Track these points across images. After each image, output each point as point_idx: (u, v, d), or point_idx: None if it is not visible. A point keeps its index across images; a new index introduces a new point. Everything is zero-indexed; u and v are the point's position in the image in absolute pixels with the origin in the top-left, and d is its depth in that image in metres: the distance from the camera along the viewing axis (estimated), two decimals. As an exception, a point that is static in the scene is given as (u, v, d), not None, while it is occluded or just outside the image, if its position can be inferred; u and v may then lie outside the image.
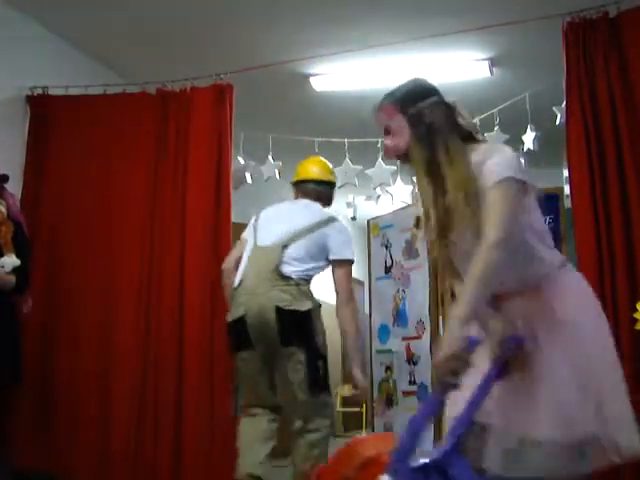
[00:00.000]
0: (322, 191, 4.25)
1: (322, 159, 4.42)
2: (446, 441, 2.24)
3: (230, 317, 3.92)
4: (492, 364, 2.30)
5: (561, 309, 2.33)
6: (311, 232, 3.96)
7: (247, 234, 4.13)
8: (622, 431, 2.22)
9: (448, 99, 2.68)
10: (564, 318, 2.31)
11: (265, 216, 4.16)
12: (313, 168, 4.31)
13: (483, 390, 2.30)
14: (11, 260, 4.09)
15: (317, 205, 4.17)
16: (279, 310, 3.75)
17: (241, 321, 3.82)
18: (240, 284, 3.91)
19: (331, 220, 4.02)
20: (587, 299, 2.42)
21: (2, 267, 4.03)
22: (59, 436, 4.66)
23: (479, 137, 2.58)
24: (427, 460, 2.20)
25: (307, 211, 4.10)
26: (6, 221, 4.19)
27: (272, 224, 4.05)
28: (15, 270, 4.10)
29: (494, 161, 2.35)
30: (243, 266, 3.97)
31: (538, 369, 2.28)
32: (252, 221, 4.18)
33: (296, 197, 4.29)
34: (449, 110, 2.64)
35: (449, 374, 2.14)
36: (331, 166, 4.41)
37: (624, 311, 3.75)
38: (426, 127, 2.55)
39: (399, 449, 2.20)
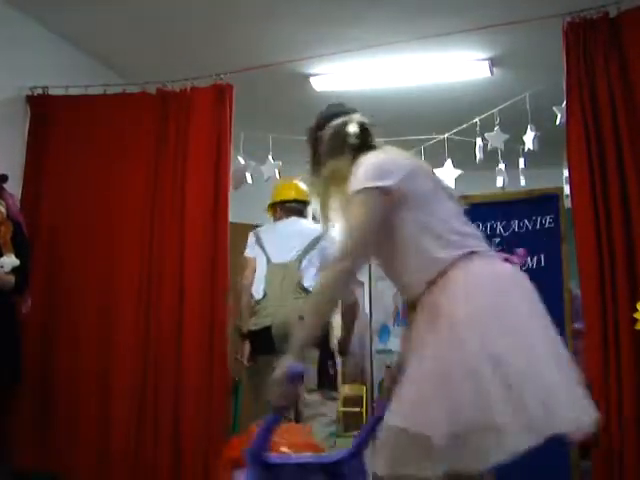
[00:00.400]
0: (302, 209, 4.72)
1: (296, 182, 4.78)
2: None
3: (256, 326, 4.43)
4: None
5: (446, 304, 2.25)
6: (315, 246, 4.48)
7: (254, 253, 4.59)
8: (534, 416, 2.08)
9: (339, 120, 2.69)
10: (445, 313, 2.23)
11: (268, 236, 4.66)
12: (292, 190, 4.79)
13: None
14: (10, 260, 4.09)
15: (308, 221, 4.65)
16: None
17: (268, 329, 4.35)
18: (264, 297, 4.45)
19: (325, 233, 4.17)
20: (480, 287, 2.28)
21: (1, 267, 4.04)
22: (59, 436, 4.66)
23: (375, 143, 2.64)
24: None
25: (305, 228, 4.61)
26: (5, 221, 4.20)
27: (281, 242, 4.53)
28: (14, 270, 4.10)
29: (352, 178, 2.42)
30: (264, 281, 4.49)
31: (408, 368, 2.27)
32: (253, 240, 4.64)
33: (279, 216, 4.79)
34: (336, 132, 2.66)
35: (278, 400, 2.27)
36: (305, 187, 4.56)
37: (624, 311, 3.75)
38: (315, 153, 2.75)
39: (252, 445, 2.31)
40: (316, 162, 2.72)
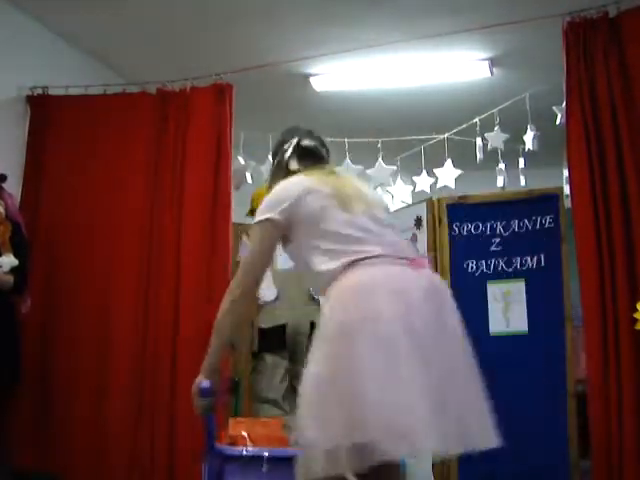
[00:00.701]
0: None
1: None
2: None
3: (267, 324, 4.82)
4: None
5: (328, 313, 2.38)
6: None
7: None
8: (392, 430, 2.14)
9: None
10: (326, 321, 2.36)
11: None
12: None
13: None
14: (9, 260, 4.09)
15: None
16: (312, 324, 4.39)
17: (282, 328, 4.81)
18: (276, 300, 4.87)
19: None
20: (342, 303, 2.35)
21: (0, 267, 4.04)
22: (57, 435, 4.66)
23: (296, 168, 2.78)
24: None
25: None
26: (4, 221, 4.20)
27: None
28: (13, 270, 4.10)
29: None
30: (273, 285, 4.87)
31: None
32: None
33: None
34: (278, 160, 2.89)
35: (196, 410, 2.69)
36: None
37: (624, 310, 3.75)
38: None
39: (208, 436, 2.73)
40: (268, 185, 2.83)
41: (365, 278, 2.36)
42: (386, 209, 2.74)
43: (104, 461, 4.59)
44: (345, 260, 2.41)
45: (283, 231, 2.57)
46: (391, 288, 2.33)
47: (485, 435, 2.45)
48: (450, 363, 2.40)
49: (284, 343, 4.89)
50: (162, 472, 4.51)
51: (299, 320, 4.87)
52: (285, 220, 2.54)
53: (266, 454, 3.03)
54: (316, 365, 2.29)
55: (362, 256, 2.41)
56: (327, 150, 2.94)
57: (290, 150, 2.82)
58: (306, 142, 2.87)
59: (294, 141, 2.85)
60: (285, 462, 2.66)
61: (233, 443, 3.35)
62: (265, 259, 2.61)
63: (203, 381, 2.64)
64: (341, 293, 2.36)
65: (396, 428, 2.12)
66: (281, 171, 2.79)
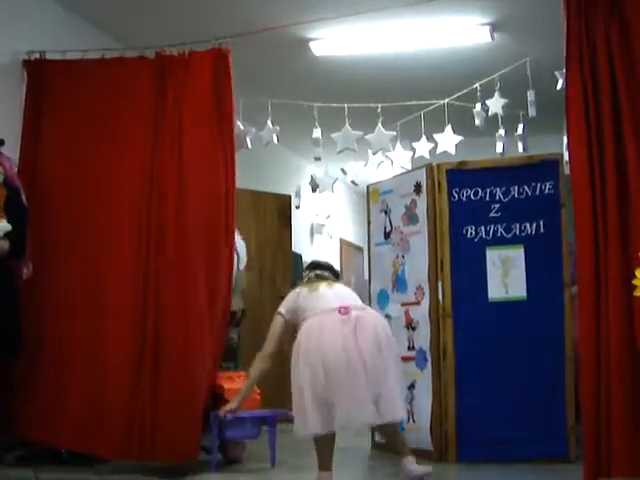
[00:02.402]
0: None
1: None
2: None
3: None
4: None
5: (300, 340, 4.16)
6: None
7: None
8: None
9: None
10: (299, 347, 4.13)
11: None
12: None
13: None
14: (3, 225, 4.06)
15: None
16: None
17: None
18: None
19: None
20: (313, 331, 4.12)
21: None
22: (51, 403, 4.66)
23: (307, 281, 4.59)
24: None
25: None
26: (0, 187, 4.18)
27: None
28: (9, 235, 4.07)
29: None
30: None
31: None
32: None
33: None
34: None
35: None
36: None
37: (614, 276, 3.76)
38: None
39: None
40: None
41: (322, 322, 4.15)
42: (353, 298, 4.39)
43: (99, 428, 4.59)
44: (311, 313, 4.25)
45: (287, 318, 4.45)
46: (330, 329, 4.10)
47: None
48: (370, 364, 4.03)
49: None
50: (161, 439, 4.50)
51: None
52: (287, 314, 4.45)
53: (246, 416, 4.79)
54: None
55: (320, 311, 4.22)
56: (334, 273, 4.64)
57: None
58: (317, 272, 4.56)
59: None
60: (257, 419, 4.86)
61: (219, 395, 4.78)
62: (281, 332, 4.46)
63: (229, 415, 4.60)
64: (306, 330, 4.19)
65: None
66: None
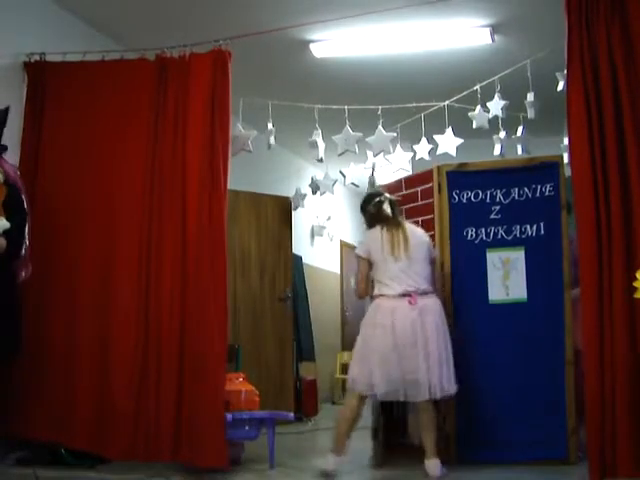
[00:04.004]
0: None
1: None
2: None
3: None
4: None
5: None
6: None
7: None
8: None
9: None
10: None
11: None
12: None
13: None
14: (1, 223, 4.05)
15: None
16: None
17: None
18: None
19: None
20: (372, 313, 4.58)
21: None
22: (57, 404, 4.67)
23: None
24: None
25: None
26: (0, 186, 4.16)
27: None
28: (7, 234, 4.05)
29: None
30: None
31: None
32: None
33: None
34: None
35: None
36: None
37: (619, 277, 3.76)
38: None
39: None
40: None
41: (390, 304, 4.54)
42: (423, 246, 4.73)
43: (104, 429, 4.61)
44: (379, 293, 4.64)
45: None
46: (396, 311, 4.49)
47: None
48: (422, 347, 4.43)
49: None
50: (167, 440, 4.52)
51: None
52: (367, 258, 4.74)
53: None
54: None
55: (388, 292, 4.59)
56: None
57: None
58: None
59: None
60: (256, 421, 4.84)
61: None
62: (366, 271, 4.75)
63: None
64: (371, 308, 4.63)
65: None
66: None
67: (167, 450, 4.52)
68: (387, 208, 4.72)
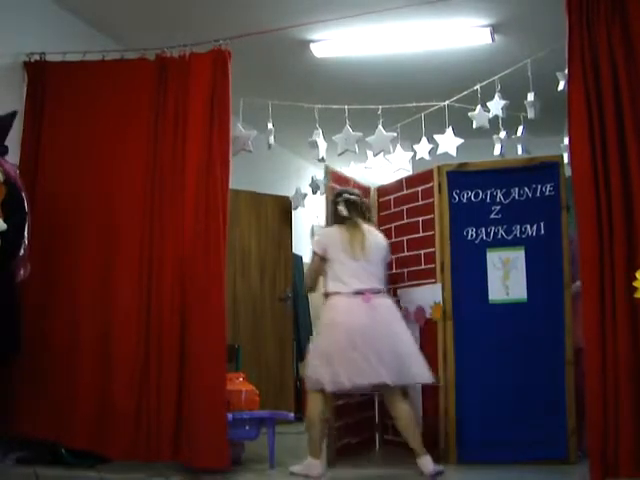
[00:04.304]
0: None
1: None
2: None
3: None
4: None
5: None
6: None
7: None
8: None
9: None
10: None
11: None
12: None
13: None
14: None
15: None
16: None
17: None
18: None
19: None
20: (329, 310, 4.73)
21: None
22: (59, 403, 4.68)
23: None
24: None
25: None
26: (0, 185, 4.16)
27: None
28: (4, 234, 4.04)
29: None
30: None
31: None
32: None
33: None
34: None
35: None
36: None
37: (621, 277, 3.77)
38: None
39: None
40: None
41: (349, 302, 4.67)
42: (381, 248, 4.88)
43: (105, 429, 4.61)
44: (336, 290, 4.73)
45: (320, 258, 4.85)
46: (354, 308, 4.63)
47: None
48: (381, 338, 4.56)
49: None
50: (168, 440, 4.52)
51: None
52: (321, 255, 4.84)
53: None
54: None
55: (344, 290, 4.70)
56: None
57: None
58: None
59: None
60: (256, 420, 4.89)
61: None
62: (316, 268, 4.90)
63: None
64: (327, 307, 4.76)
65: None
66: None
67: (168, 450, 4.52)
68: (343, 209, 4.84)
